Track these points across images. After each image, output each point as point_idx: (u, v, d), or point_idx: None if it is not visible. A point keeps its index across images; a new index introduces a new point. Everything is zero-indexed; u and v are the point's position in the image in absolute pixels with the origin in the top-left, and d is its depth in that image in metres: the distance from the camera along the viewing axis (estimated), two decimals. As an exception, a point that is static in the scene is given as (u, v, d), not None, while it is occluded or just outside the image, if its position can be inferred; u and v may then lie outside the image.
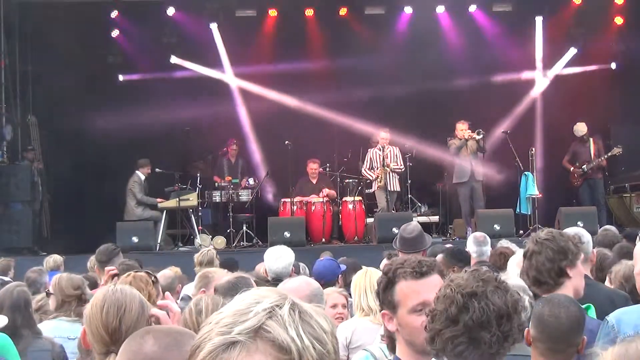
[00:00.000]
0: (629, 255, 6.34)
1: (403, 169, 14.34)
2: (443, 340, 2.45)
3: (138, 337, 2.30)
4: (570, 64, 16.24)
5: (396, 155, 14.24)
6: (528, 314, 3.31)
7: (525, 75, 16.18)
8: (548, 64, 16.23)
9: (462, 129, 14.09)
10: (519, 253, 5.75)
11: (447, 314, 2.46)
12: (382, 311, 2.98)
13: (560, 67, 16.28)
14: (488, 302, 2.44)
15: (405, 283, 2.89)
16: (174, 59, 15.80)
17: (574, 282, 3.88)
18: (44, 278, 7.35)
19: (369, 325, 4.69)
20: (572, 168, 14.90)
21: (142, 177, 14.55)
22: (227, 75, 16.21)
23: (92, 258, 8.54)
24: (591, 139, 14.82)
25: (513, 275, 5.23)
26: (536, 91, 16.31)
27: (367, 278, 5.14)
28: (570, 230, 5.22)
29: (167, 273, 6.72)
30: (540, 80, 16.32)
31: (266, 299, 1.34)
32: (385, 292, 2.96)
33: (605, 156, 14.60)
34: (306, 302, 3.72)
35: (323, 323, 1.34)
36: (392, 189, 14.19)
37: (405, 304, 2.85)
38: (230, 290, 3.95)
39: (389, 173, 14.09)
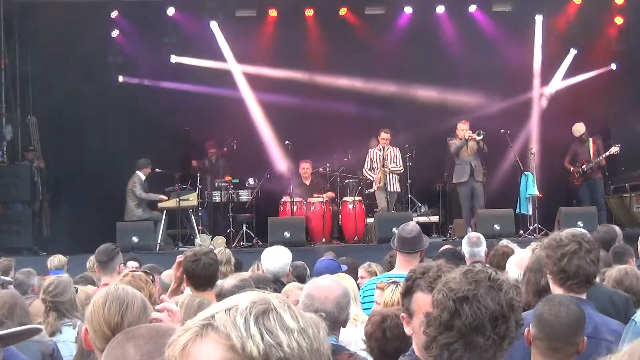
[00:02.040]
0: (624, 257, 6.38)
1: (402, 170, 14.34)
2: (439, 346, 2.45)
3: (119, 346, 2.29)
4: (570, 64, 16.22)
5: (396, 156, 14.24)
6: None
7: (525, 75, 16.15)
8: (548, 63, 16.22)
9: (463, 128, 14.11)
10: (518, 253, 5.76)
11: (440, 320, 2.45)
12: (402, 314, 3.08)
13: (562, 72, 16.24)
14: (480, 306, 2.42)
15: (422, 295, 2.96)
16: (174, 59, 15.80)
17: None
18: (32, 280, 7.38)
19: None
20: (572, 168, 14.91)
21: (143, 178, 14.55)
22: (230, 71, 16.15)
23: (92, 258, 8.56)
24: (590, 139, 14.82)
25: (511, 274, 5.24)
26: (536, 91, 16.29)
27: None
28: (570, 231, 5.23)
29: (172, 272, 6.71)
30: (540, 80, 16.29)
31: (250, 298, 1.40)
32: (405, 298, 3.05)
33: (604, 155, 14.61)
34: (335, 302, 3.72)
35: (287, 320, 1.37)
36: (392, 190, 14.20)
37: (418, 314, 2.89)
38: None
39: (389, 174, 14.10)
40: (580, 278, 3.87)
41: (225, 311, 1.37)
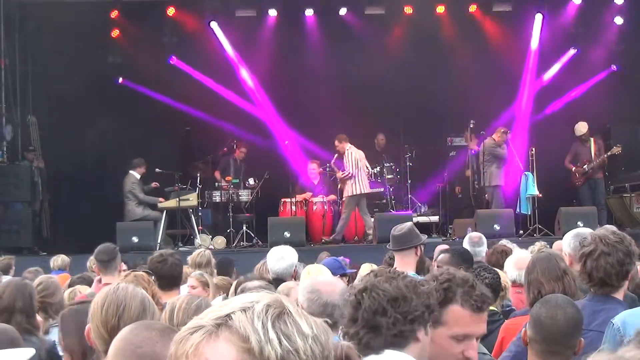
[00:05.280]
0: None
1: (349, 175, 13.94)
2: (349, 338, 2.53)
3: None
4: (570, 64, 16.21)
5: (349, 160, 13.99)
6: None
7: (525, 74, 16.15)
8: (548, 63, 16.22)
9: (504, 137, 14.28)
10: (517, 253, 5.76)
11: (348, 316, 2.58)
12: None
13: (562, 72, 16.23)
14: (378, 291, 2.53)
15: (462, 310, 2.76)
16: (174, 60, 15.79)
17: (627, 284, 3.91)
18: None
19: None
20: (573, 168, 14.88)
21: (138, 177, 14.56)
22: (230, 71, 16.13)
23: (93, 258, 8.55)
24: (592, 139, 14.80)
25: (510, 275, 5.24)
26: (536, 91, 16.27)
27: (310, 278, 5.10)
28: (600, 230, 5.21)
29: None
30: (540, 80, 16.27)
31: (263, 299, 1.38)
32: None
33: (606, 155, 14.58)
34: (341, 294, 3.72)
35: (303, 326, 1.36)
36: (352, 193, 13.97)
37: (451, 327, 2.74)
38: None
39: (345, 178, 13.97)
40: (594, 280, 3.83)
41: (242, 312, 1.35)
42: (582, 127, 14.73)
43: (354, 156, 13.96)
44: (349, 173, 13.96)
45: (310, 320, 1.39)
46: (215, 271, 7.38)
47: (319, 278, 4.03)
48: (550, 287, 4.09)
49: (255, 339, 1.32)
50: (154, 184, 14.48)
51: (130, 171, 14.51)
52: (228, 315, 1.35)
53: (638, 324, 3.37)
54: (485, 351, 3.35)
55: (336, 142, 14.14)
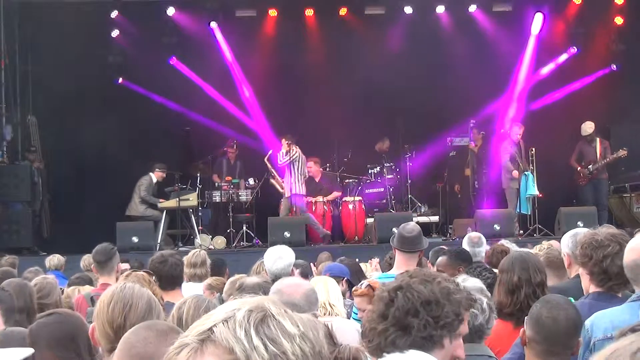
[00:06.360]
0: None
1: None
2: (377, 334, 2.55)
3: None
4: (570, 63, 16.21)
5: (288, 157, 14.14)
6: (486, 316, 3.32)
7: (525, 74, 16.14)
8: (548, 63, 16.22)
9: (519, 133, 14.41)
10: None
11: (378, 312, 2.59)
12: None
13: (562, 72, 16.23)
14: (412, 292, 2.54)
15: None
16: (174, 60, 15.79)
17: None
18: None
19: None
20: (578, 168, 14.84)
21: (154, 180, 14.63)
22: (229, 71, 16.14)
23: (86, 257, 8.55)
24: (597, 139, 14.77)
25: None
26: (536, 91, 16.26)
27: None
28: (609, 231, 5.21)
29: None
30: (540, 80, 16.27)
31: (245, 306, 1.36)
32: None
33: (611, 157, 14.52)
34: (304, 295, 3.77)
35: (288, 326, 1.34)
36: (294, 192, 14.15)
37: None
38: (257, 292, 4.20)
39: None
40: (622, 279, 3.86)
41: (223, 323, 1.33)
42: (588, 127, 14.69)
43: (296, 157, 14.07)
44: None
45: (295, 318, 1.37)
46: (209, 271, 7.40)
47: (285, 280, 4.07)
48: (503, 299, 4.19)
49: (240, 349, 1.30)
50: (160, 201, 14.48)
51: (150, 173, 14.64)
52: (210, 329, 1.33)
53: (603, 325, 3.48)
54: (491, 354, 3.35)
55: (283, 140, 14.20)
